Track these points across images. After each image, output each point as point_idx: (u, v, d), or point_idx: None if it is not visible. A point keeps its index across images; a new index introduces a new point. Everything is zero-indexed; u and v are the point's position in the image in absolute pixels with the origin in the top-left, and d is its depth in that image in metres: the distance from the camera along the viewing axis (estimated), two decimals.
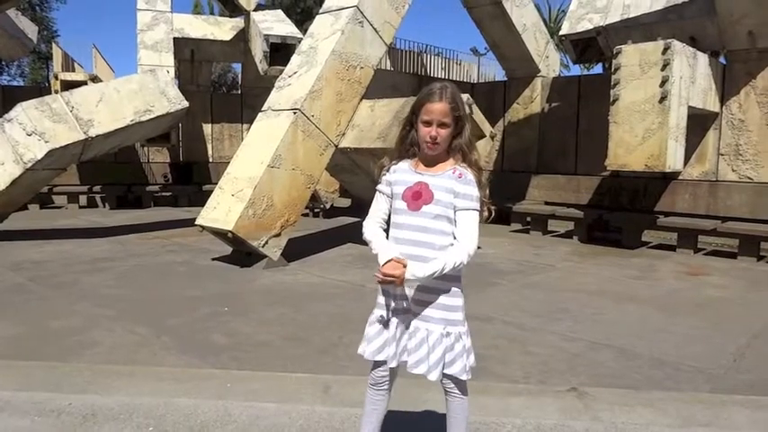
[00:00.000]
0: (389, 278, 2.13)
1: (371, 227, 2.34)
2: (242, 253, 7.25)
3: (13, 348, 4.19)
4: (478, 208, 2.22)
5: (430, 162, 2.28)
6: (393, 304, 2.29)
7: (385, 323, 2.30)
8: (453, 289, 2.25)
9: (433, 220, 2.20)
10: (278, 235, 7.09)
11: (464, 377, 2.26)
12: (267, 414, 3.07)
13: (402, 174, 2.30)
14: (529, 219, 10.58)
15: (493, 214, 2.28)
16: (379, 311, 2.33)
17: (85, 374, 3.60)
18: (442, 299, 2.23)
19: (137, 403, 3.17)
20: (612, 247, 8.87)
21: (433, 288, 2.23)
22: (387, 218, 2.34)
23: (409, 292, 2.25)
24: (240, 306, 5.38)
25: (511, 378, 3.71)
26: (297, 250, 7.60)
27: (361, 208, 11.87)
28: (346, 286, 6.19)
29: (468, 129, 2.28)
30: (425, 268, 2.14)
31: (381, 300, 2.34)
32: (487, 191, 2.26)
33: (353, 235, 9.14)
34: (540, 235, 10.13)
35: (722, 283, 6.71)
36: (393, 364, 2.29)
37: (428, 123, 2.20)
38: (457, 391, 2.31)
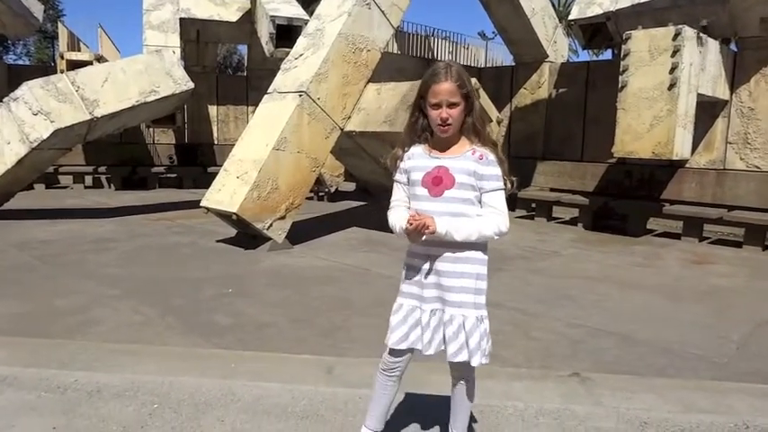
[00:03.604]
0: (421, 223, 2.07)
1: (396, 212, 2.27)
2: (246, 235, 7.26)
3: (20, 326, 4.23)
4: (503, 186, 2.20)
5: (444, 145, 2.23)
6: (423, 292, 2.23)
7: (411, 312, 2.25)
8: (482, 272, 2.23)
9: (456, 204, 2.16)
10: (282, 218, 7.09)
11: (484, 361, 2.22)
12: (271, 394, 3.09)
13: (418, 159, 2.25)
14: (534, 205, 10.55)
15: (515, 185, 2.25)
16: (403, 300, 2.28)
17: (91, 352, 3.63)
18: (473, 282, 2.20)
19: (142, 381, 3.20)
20: (617, 235, 8.84)
21: (464, 273, 2.19)
22: (408, 205, 2.28)
23: (438, 279, 2.21)
24: (244, 288, 5.41)
25: (514, 363, 3.73)
26: (301, 233, 7.61)
27: (365, 192, 11.86)
28: (350, 269, 6.20)
29: (477, 105, 2.23)
30: (456, 222, 2.12)
31: (406, 288, 2.28)
32: (506, 165, 2.22)
33: (358, 219, 9.14)
34: (544, 221, 10.11)
35: (727, 271, 6.69)
36: (430, 352, 2.23)
37: (437, 105, 2.15)
38: (468, 376, 2.31)
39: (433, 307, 2.23)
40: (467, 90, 2.17)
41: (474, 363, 2.19)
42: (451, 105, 2.15)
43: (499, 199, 2.18)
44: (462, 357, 2.19)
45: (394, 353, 2.29)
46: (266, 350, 3.85)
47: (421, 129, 2.27)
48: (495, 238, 2.18)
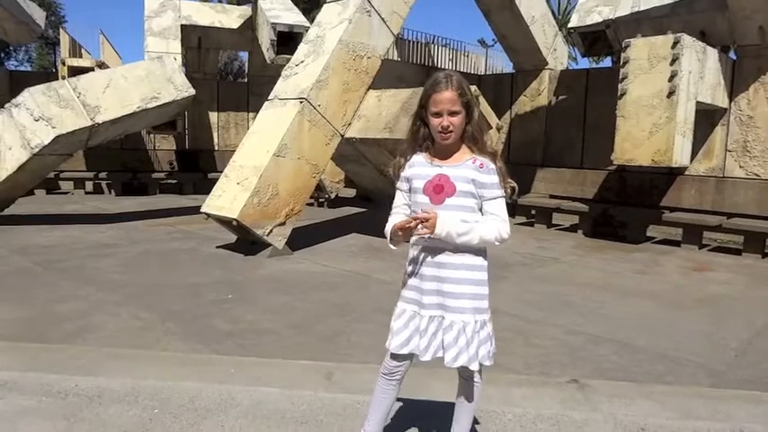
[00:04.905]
0: (425, 219, 2.12)
1: (393, 219, 2.30)
2: (246, 241, 7.28)
3: (20, 331, 4.24)
4: (503, 194, 2.24)
5: (445, 153, 2.27)
6: (422, 298, 2.26)
7: (412, 317, 2.28)
8: (482, 278, 2.27)
9: (457, 212, 2.20)
10: (283, 224, 7.11)
11: (488, 363, 2.27)
12: (270, 399, 3.10)
13: (419, 167, 2.29)
14: (533, 212, 10.57)
15: (516, 190, 2.29)
16: (405, 305, 2.31)
17: (91, 357, 3.65)
18: (473, 288, 2.23)
19: (142, 386, 3.21)
20: (617, 242, 8.86)
21: (464, 279, 2.22)
22: (407, 213, 2.32)
23: (439, 285, 2.23)
24: (244, 294, 5.42)
25: (513, 369, 3.74)
26: (301, 239, 7.62)
27: (365, 198, 11.89)
28: (350, 276, 6.22)
29: (477, 113, 2.27)
30: (458, 225, 2.16)
31: (407, 293, 2.31)
32: (505, 171, 2.26)
33: (358, 225, 9.16)
34: (544, 228, 10.12)
35: (726, 279, 6.70)
36: (427, 358, 2.24)
37: (438, 114, 2.20)
38: (476, 377, 2.34)
39: (432, 313, 2.25)
40: (467, 99, 2.21)
41: (473, 367, 2.22)
42: (452, 114, 2.19)
43: (500, 206, 2.24)
44: (461, 362, 2.21)
45: (395, 357, 2.31)
46: (266, 356, 3.86)
47: (422, 138, 2.31)
48: (497, 243, 2.22)
